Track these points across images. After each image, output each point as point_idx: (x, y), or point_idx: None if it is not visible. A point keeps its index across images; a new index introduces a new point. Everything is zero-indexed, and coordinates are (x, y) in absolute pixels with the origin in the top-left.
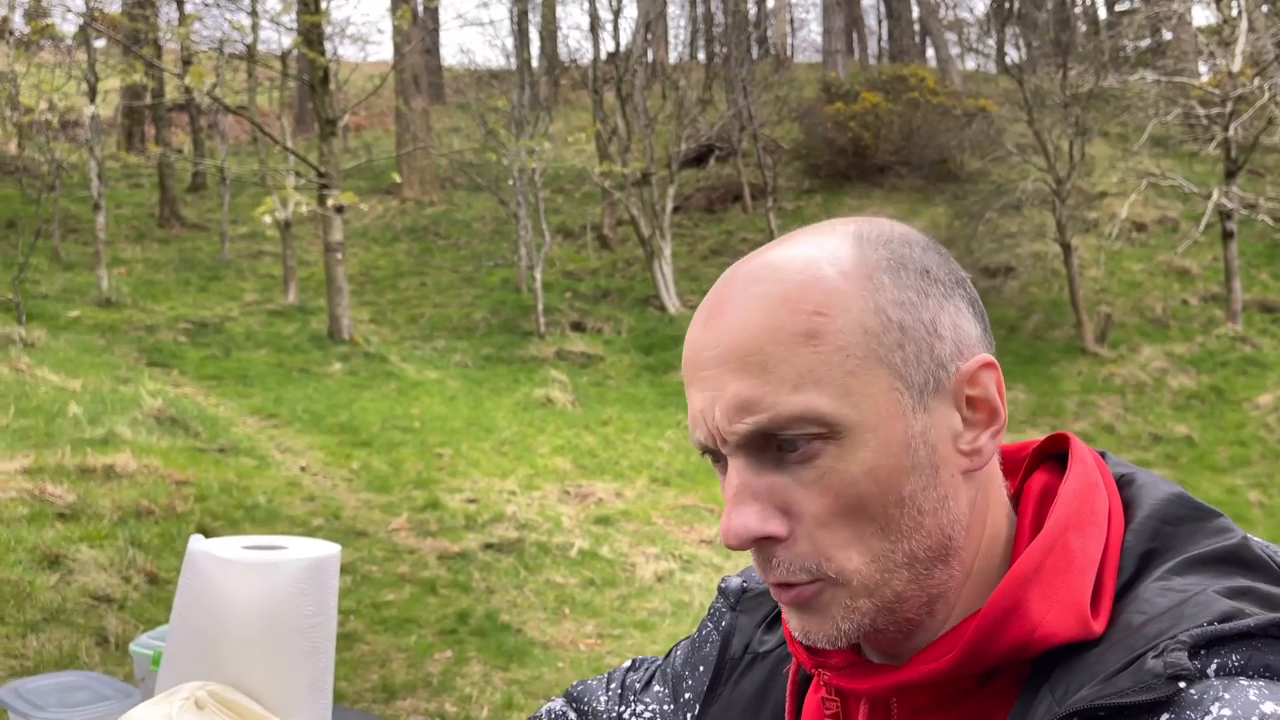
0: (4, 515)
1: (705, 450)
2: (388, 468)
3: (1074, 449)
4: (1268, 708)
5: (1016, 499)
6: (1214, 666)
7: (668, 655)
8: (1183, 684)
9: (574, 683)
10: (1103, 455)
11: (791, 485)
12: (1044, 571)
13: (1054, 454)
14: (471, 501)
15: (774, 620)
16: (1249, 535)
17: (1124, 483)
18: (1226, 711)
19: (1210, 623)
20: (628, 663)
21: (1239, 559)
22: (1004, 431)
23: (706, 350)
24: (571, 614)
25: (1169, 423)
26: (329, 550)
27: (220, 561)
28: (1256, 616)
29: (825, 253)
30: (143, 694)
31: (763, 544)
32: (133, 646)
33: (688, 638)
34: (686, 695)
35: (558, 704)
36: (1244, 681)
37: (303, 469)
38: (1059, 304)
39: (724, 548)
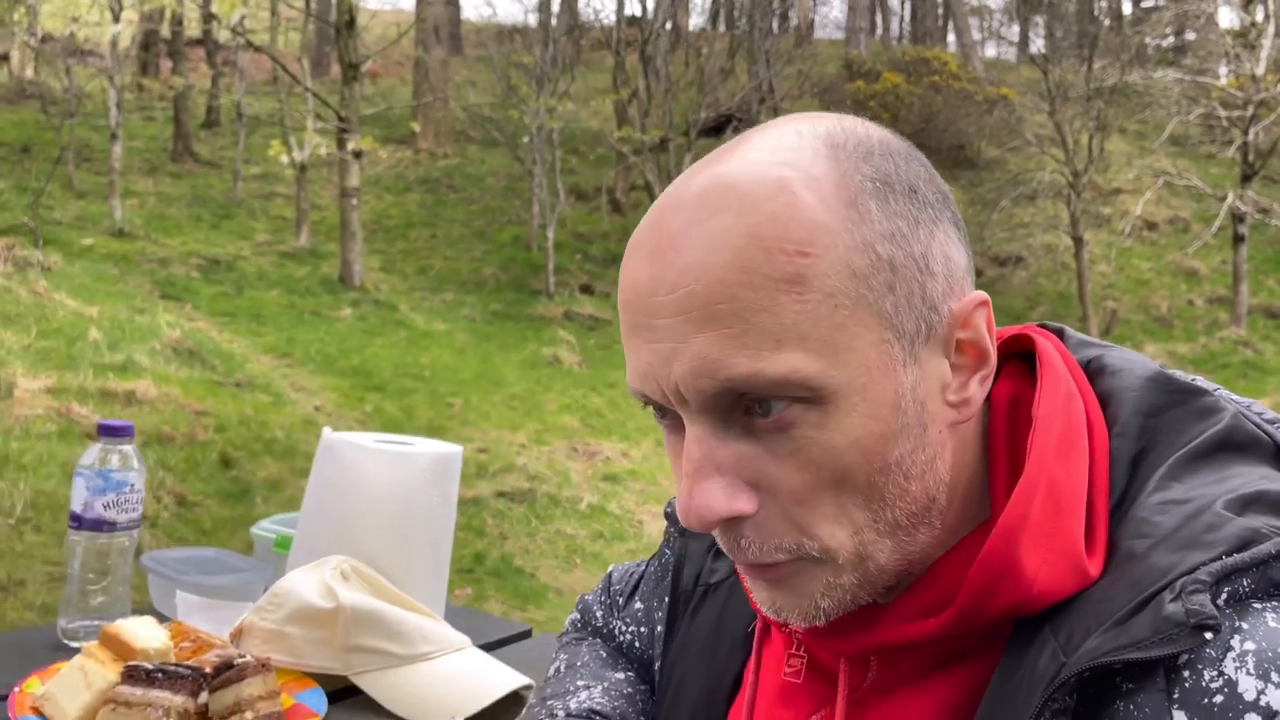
0: (34, 431)
1: (649, 404)
2: (400, 413)
3: (1041, 354)
4: None
5: (984, 410)
6: (1224, 597)
7: (645, 565)
8: (1209, 635)
9: (581, 594)
10: (1060, 334)
11: (762, 455)
12: (1031, 521)
13: (1017, 353)
14: (482, 451)
15: None
16: (1237, 402)
17: (1094, 370)
18: (1250, 645)
19: (1228, 553)
20: (610, 569)
21: (1234, 443)
22: (991, 376)
23: (658, 294)
24: (582, 564)
25: None
26: (453, 449)
27: (357, 449)
28: (1275, 539)
29: (798, 171)
30: (272, 568)
31: (730, 523)
32: (255, 530)
33: (656, 555)
34: (659, 629)
35: (576, 615)
36: (1256, 605)
37: (317, 409)
38: (1066, 297)
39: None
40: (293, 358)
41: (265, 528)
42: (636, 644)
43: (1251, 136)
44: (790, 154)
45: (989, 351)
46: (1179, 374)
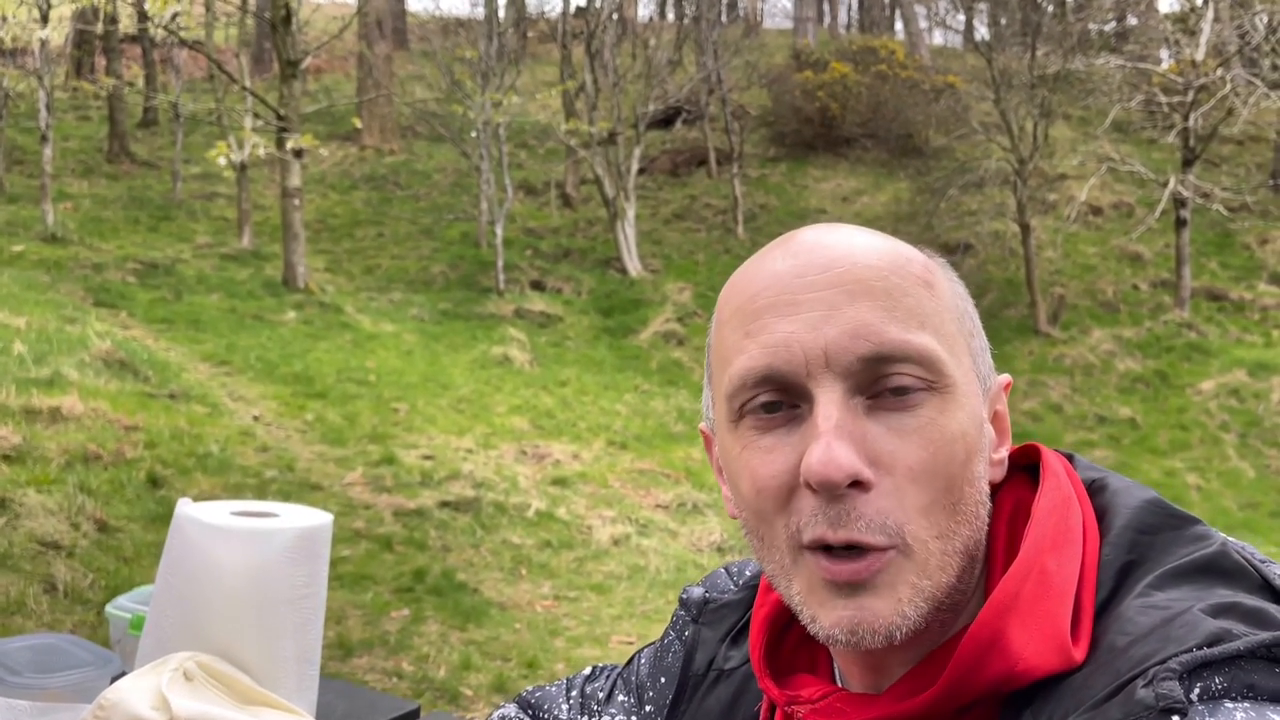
0: None
1: (770, 387)
2: (342, 420)
3: (1045, 462)
4: None
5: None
6: (1197, 691)
7: (629, 663)
8: (1176, 718)
9: (528, 688)
10: (1070, 458)
11: (885, 435)
12: (1022, 600)
13: (1023, 465)
14: (428, 458)
15: (738, 634)
16: (1227, 539)
17: (1095, 489)
18: None
19: (1199, 647)
20: (586, 670)
21: (1219, 568)
22: (1008, 455)
23: (809, 275)
24: (528, 575)
25: (1114, 405)
26: (321, 519)
27: (209, 528)
28: (1245, 639)
29: (899, 240)
30: (121, 658)
31: (846, 492)
32: (110, 609)
33: (650, 645)
34: (648, 708)
35: (511, 710)
36: (1228, 705)
37: (255, 419)
38: (1014, 283)
39: (681, 515)
40: (232, 365)
41: (122, 605)
42: None
43: (1192, 122)
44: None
45: (1009, 431)
46: (1174, 506)
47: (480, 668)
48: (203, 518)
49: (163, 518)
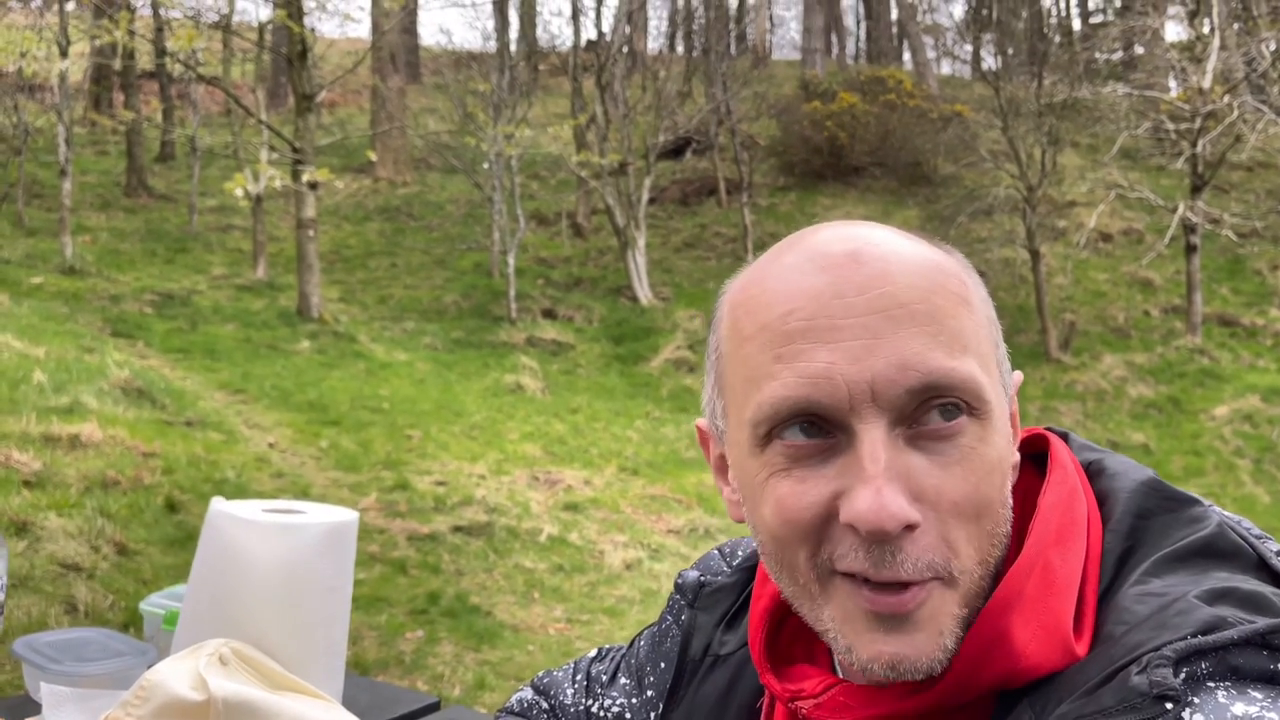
0: None
1: (807, 418)
2: (356, 447)
3: (1053, 453)
4: (1238, 709)
5: None
6: (1182, 676)
7: (631, 644)
8: (1169, 705)
9: (539, 673)
10: (1065, 437)
11: (929, 468)
12: (1026, 597)
13: (1029, 453)
14: (441, 484)
15: (734, 618)
16: (1224, 516)
17: (1093, 472)
18: (1199, 717)
19: (1193, 634)
20: (592, 652)
21: (1215, 550)
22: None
23: (847, 296)
24: (541, 598)
25: (1127, 431)
26: (348, 516)
27: (242, 523)
28: (1239, 627)
29: (930, 240)
30: (155, 650)
31: (895, 534)
32: (143, 605)
33: (650, 626)
34: (649, 693)
35: (528, 693)
36: (1210, 685)
37: (271, 445)
38: (1025, 310)
39: (693, 540)
40: (247, 393)
41: (155, 603)
42: (627, 715)
43: (1200, 148)
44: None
45: (1019, 428)
46: (1171, 486)
47: (494, 687)
48: (237, 513)
49: (180, 541)
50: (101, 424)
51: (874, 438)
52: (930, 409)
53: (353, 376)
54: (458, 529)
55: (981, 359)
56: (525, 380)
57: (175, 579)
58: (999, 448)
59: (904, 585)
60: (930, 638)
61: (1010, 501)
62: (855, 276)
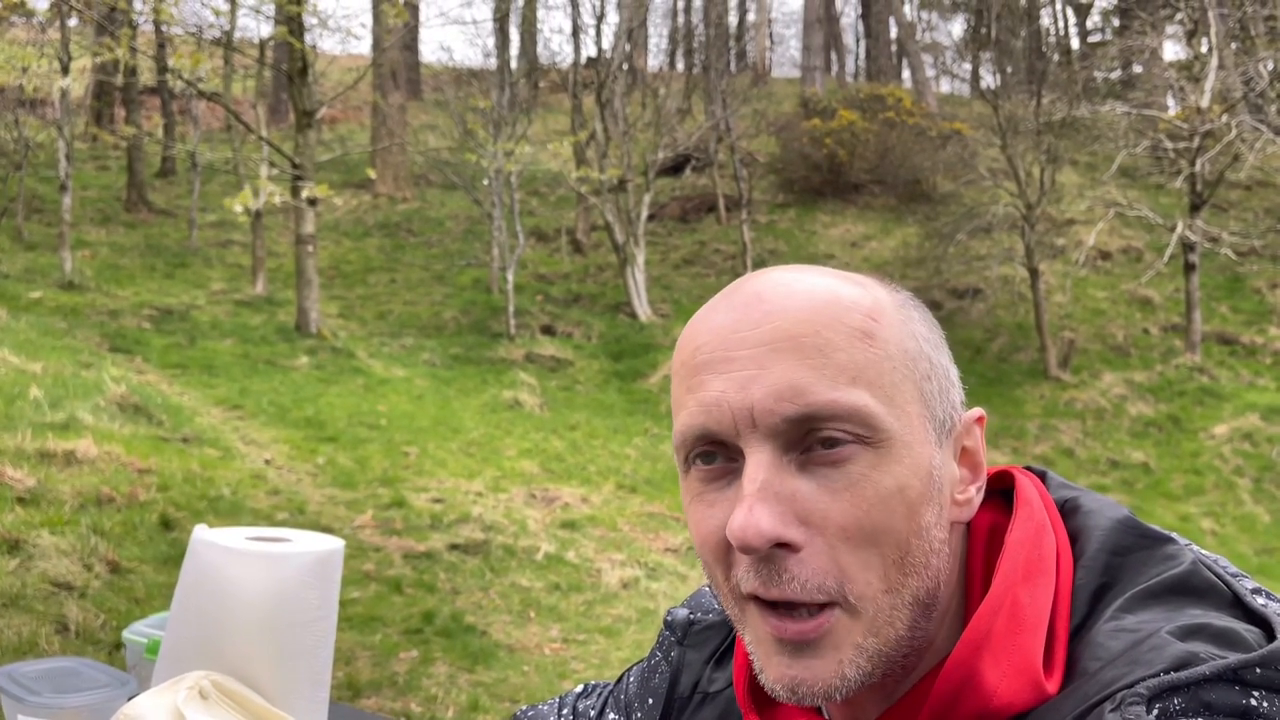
0: None
1: (702, 444)
2: (353, 464)
3: (1019, 489)
4: None
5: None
6: (1155, 713)
7: (619, 680)
8: None
9: (522, 708)
10: (1044, 476)
11: (816, 493)
12: (994, 636)
13: (999, 490)
14: (437, 501)
15: (723, 656)
16: (1200, 555)
17: (1068, 510)
18: None
19: (1166, 671)
20: (578, 688)
21: (1189, 587)
22: (983, 491)
23: (742, 331)
24: (537, 618)
25: (1127, 449)
26: (333, 545)
27: (225, 551)
28: (1211, 663)
29: (855, 279)
30: (137, 681)
31: (773, 553)
32: (126, 634)
33: (639, 663)
34: None
35: None
36: None
37: (267, 462)
38: (1024, 328)
39: (691, 559)
40: (244, 409)
41: (138, 630)
42: None
43: (1198, 167)
44: (842, 273)
45: (982, 465)
46: (1146, 524)
47: (488, 709)
48: (219, 542)
49: (174, 559)
50: (97, 440)
51: (756, 460)
52: (818, 436)
53: (350, 392)
54: (454, 547)
55: (880, 389)
56: (523, 397)
57: (168, 598)
58: (899, 477)
59: (808, 613)
60: (829, 665)
61: (935, 533)
62: (753, 314)
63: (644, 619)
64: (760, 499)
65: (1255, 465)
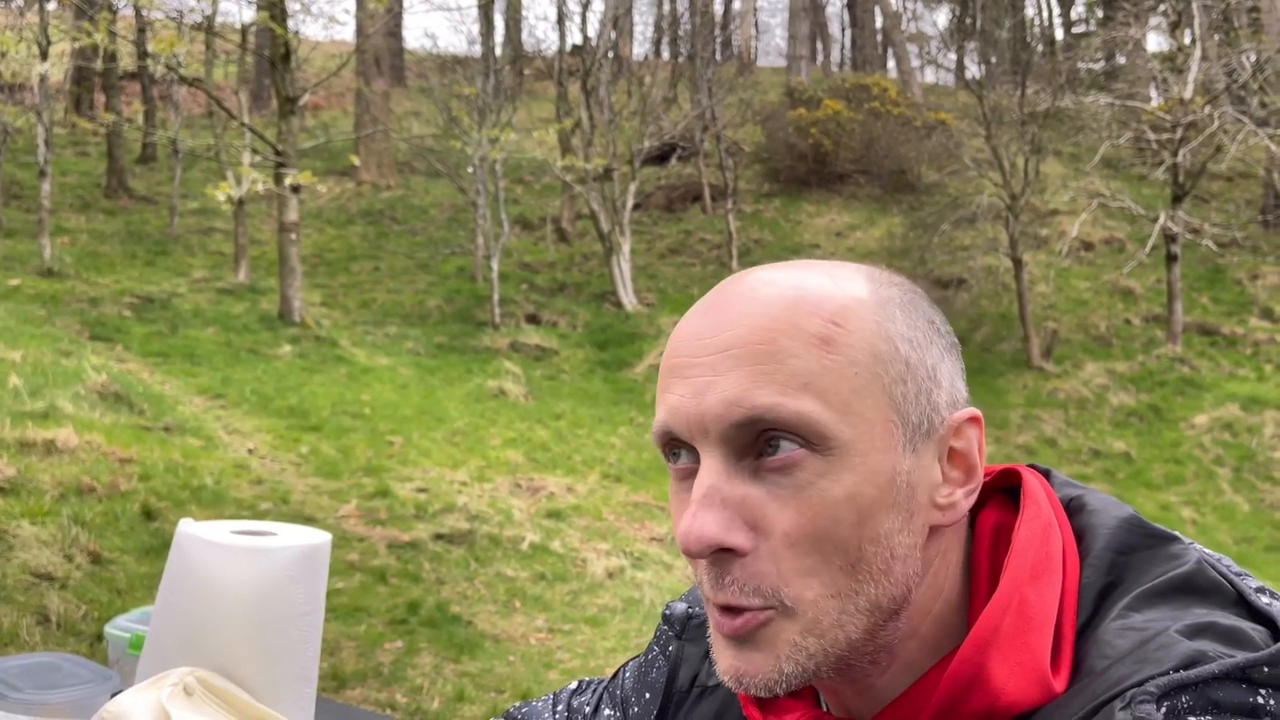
0: None
1: (670, 443)
2: (337, 453)
3: (1026, 487)
4: None
5: (969, 537)
6: (1164, 711)
7: (614, 676)
8: None
9: (515, 704)
10: (1048, 475)
11: (764, 499)
12: (1002, 634)
13: (1004, 488)
14: (422, 491)
15: None
16: (1204, 554)
17: (1074, 508)
18: None
19: (1175, 669)
20: (572, 684)
21: (1195, 586)
22: (977, 493)
23: (704, 338)
24: (522, 607)
25: (1108, 439)
26: (320, 538)
27: (211, 546)
28: (1220, 661)
29: (838, 278)
30: (120, 677)
31: (720, 556)
32: (109, 629)
33: (635, 658)
34: None
35: None
36: (1191, 719)
37: (250, 451)
38: (1008, 318)
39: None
40: (227, 398)
41: (121, 625)
42: None
43: (1181, 158)
44: (831, 268)
45: (977, 468)
46: (1152, 523)
47: (474, 699)
48: (204, 536)
49: (156, 550)
50: (78, 429)
51: (707, 466)
52: (766, 442)
53: (334, 381)
54: (439, 537)
55: (832, 397)
56: (508, 386)
57: (150, 589)
58: (850, 485)
59: (740, 611)
60: (767, 659)
61: (899, 539)
62: (717, 319)
63: (629, 608)
64: (705, 505)
65: (1235, 455)
